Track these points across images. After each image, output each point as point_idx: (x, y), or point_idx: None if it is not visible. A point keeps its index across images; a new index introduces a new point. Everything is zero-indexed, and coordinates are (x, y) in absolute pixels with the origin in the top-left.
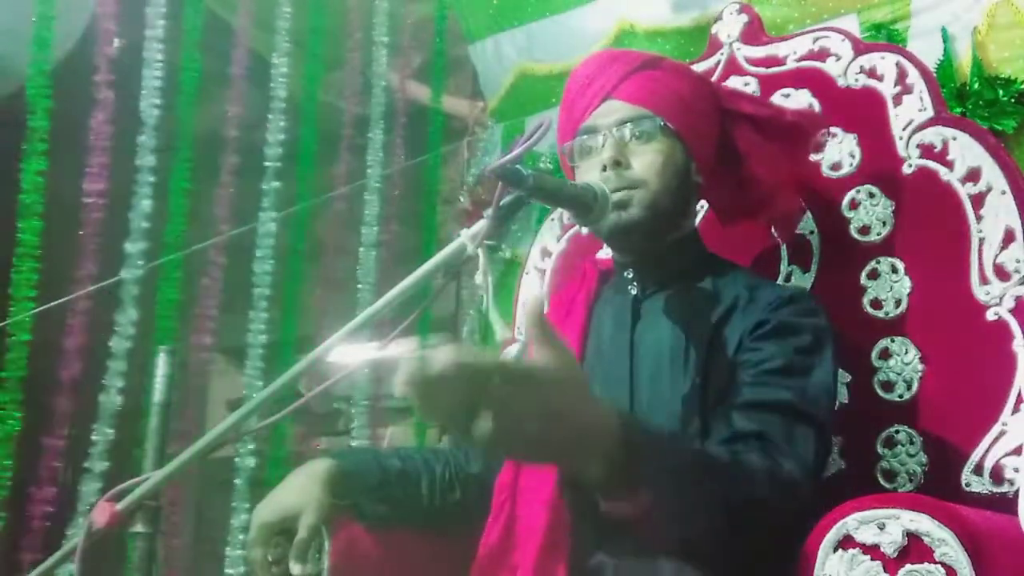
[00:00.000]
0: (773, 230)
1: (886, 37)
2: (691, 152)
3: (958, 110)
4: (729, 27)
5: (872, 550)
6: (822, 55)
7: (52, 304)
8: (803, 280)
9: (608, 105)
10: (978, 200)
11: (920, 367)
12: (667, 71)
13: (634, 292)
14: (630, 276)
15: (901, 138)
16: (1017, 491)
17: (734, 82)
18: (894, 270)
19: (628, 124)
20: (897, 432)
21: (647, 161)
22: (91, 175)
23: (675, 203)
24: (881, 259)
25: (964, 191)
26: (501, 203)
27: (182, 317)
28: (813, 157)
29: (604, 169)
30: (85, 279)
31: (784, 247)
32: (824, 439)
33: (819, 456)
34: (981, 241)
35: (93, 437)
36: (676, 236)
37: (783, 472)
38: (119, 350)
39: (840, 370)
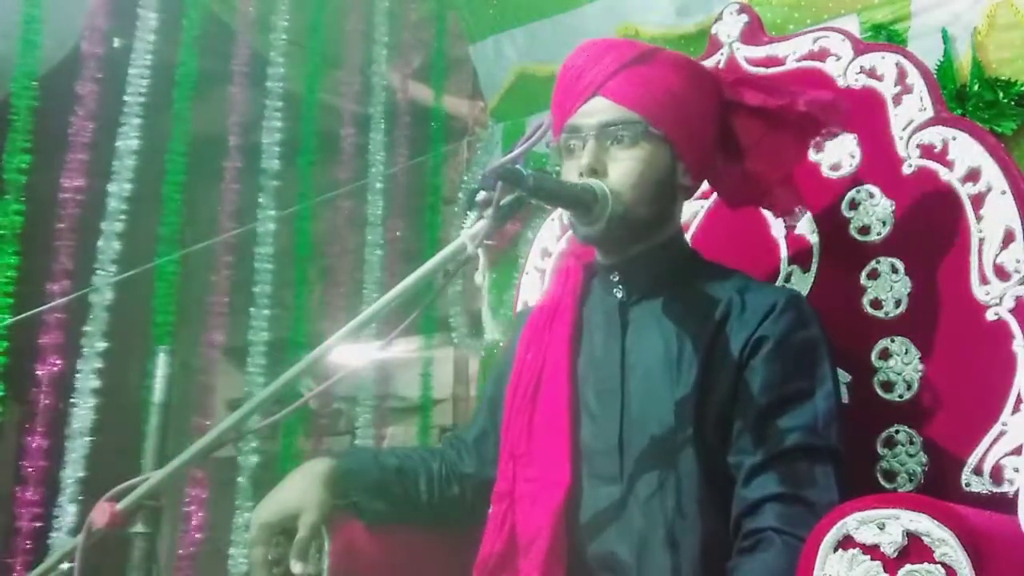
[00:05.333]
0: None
1: (886, 37)
2: (679, 154)
3: (958, 111)
4: (729, 27)
5: (872, 550)
6: (822, 55)
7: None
8: (803, 280)
9: (594, 103)
10: (978, 200)
11: (920, 367)
12: (661, 66)
13: (620, 296)
14: (615, 279)
15: (901, 138)
16: (1017, 491)
17: None
18: (894, 270)
19: (610, 128)
20: (897, 432)
21: (625, 169)
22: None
23: (651, 212)
24: (881, 259)
25: (964, 191)
26: (501, 203)
27: (183, 316)
28: (814, 156)
29: (581, 175)
30: (61, 274)
31: (784, 248)
32: (843, 462)
33: (840, 484)
34: (981, 241)
35: (69, 441)
36: (658, 240)
37: (801, 544)
38: (91, 353)
39: (840, 370)
